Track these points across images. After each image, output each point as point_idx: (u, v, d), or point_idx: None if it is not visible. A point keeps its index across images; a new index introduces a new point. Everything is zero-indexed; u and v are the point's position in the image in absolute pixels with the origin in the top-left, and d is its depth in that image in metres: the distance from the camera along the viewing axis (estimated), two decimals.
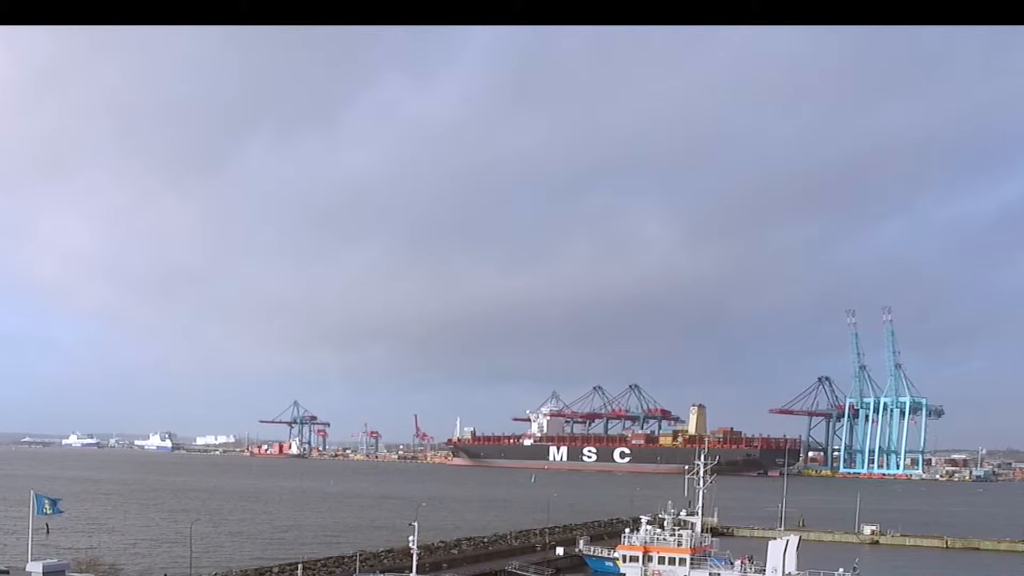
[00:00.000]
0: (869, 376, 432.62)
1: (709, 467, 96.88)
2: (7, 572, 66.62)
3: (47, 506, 69.56)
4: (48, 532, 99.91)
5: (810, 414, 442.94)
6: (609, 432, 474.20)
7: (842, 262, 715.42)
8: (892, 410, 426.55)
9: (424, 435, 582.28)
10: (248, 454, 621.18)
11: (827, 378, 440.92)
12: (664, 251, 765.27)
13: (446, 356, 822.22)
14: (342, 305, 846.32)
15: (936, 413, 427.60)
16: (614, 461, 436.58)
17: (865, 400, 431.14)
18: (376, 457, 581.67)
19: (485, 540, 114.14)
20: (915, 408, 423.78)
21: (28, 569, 62.38)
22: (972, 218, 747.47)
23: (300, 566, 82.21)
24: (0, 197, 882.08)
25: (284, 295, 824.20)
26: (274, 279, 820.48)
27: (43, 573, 61.13)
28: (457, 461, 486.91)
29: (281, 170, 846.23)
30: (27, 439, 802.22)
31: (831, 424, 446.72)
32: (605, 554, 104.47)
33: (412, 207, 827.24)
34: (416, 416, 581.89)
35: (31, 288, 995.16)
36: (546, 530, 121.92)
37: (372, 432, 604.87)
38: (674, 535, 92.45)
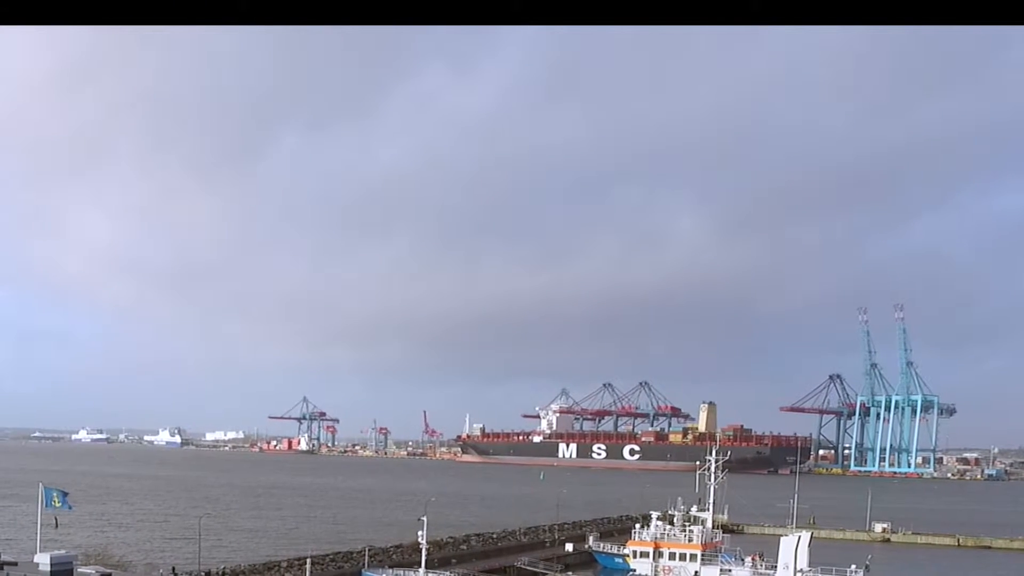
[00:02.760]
0: (881, 374, 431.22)
1: (720, 463, 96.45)
2: (15, 564, 66.52)
3: (56, 499, 69.44)
4: (57, 526, 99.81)
5: (821, 412, 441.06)
6: (619, 429, 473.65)
7: (873, 259, 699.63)
8: (903, 408, 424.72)
9: (433, 431, 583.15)
10: (257, 450, 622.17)
11: (838, 376, 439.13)
12: (693, 248, 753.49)
13: (460, 353, 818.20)
14: (363, 302, 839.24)
15: (948, 411, 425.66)
16: (623, 458, 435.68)
17: (876, 398, 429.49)
18: (385, 453, 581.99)
19: (494, 536, 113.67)
20: (927, 406, 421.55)
21: (35, 560, 62.35)
22: (1009, 215, 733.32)
23: (308, 561, 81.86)
24: (29, 193, 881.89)
25: (304, 291, 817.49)
26: (295, 275, 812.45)
27: (51, 565, 61.04)
28: (466, 458, 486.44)
29: (311, 165, 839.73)
30: (37, 434, 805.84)
31: (842, 422, 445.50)
32: (615, 550, 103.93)
33: (441, 202, 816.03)
34: (425, 412, 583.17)
35: (52, 284, 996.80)
36: (555, 526, 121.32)
37: (381, 428, 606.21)
38: (684, 531, 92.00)
